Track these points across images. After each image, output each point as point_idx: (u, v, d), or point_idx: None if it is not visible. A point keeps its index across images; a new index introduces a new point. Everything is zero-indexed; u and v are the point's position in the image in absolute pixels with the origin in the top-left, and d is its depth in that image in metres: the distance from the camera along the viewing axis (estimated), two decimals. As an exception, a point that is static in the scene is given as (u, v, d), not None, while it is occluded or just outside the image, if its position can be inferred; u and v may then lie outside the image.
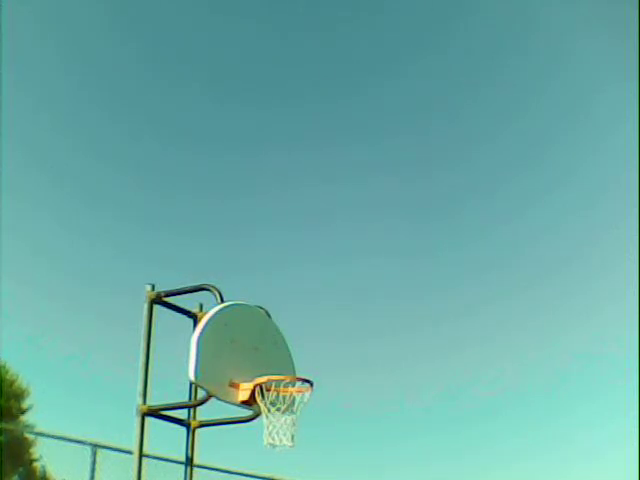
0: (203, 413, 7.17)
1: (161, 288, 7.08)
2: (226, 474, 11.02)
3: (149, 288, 7.03)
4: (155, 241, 27.74)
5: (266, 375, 6.63)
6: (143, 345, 6.83)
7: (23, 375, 17.00)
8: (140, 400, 6.68)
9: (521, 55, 26.29)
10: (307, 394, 6.62)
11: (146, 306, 6.96)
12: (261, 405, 6.53)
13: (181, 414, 7.12)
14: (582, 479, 22.40)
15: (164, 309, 7.12)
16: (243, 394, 6.62)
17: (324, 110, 28.55)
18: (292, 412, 6.57)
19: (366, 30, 27.07)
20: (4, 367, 16.46)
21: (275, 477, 12.01)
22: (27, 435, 14.39)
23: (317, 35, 27.78)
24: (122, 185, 27.90)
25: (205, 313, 6.84)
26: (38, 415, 16.51)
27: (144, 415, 6.64)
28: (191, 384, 6.98)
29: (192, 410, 7.16)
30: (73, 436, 9.25)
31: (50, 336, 23.94)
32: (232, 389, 6.62)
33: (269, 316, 7.35)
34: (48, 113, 26.59)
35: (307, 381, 6.66)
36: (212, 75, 28.29)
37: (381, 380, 25.62)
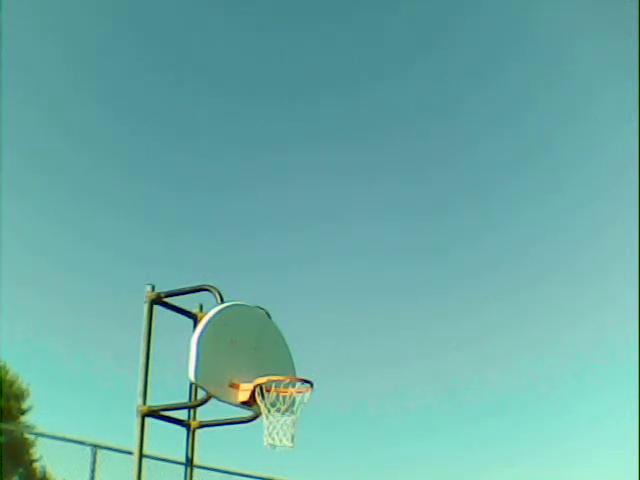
0: (203, 414, 7.18)
1: (161, 288, 7.07)
2: (226, 475, 11.02)
3: (149, 289, 7.02)
4: (155, 241, 27.77)
5: (266, 375, 6.63)
6: (143, 345, 6.82)
7: (23, 376, 17.03)
8: (140, 400, 6.68)
9: (521, 55, 26.33)
10: (307, 395, 6.62)
11: (146, 306, 6.96)
12: (261, 406, 6.53)
13: (181, 415, 7.12)
14: (582, 479, 22.41)
15: (164, 309, 7.12)
16: (243, 395, 6.62)
17: (325, 110, 28.59)
18: (292, 413, 6.57)
19: (365, 30, 27.10)
20: (4, 368, 16.46)
21: (275, 478, 12.01)
22: (27, 436, 14.40)
23: (316, 35, 27.80)
24: (122, 185, 27.93)
25: (205, 313, 6.84)
26: (38, 416, 16.53)
27: (144, 415, 6.64)
28: (191, 384, 6.97)
29: (192, 411, 7.16)
30: (73, 436, 9.26)
31: (50, 336, 23.98)
32: (232, 389, 6.62)
33: (269, 316, 7.35)
34: (48, 113, 26.61)
35: (307, 382, 6.66)
36: (213, 75, 28.32)
37: (381, 380, 25.64)
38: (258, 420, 6.66)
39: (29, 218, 25.55)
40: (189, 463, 7.19)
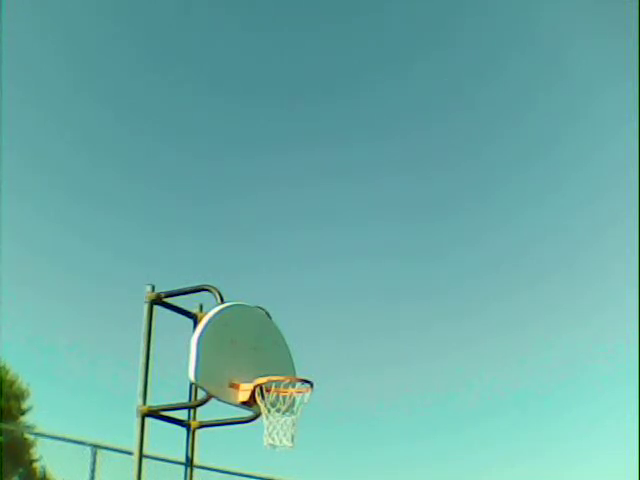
0: (203, 414, 7.18)
1: (161, 288, 7.07)
2: (226, 475, 11.02)
3: (149, 289, 7.02)
4: (155, 241, 27.77)
5: (266, 376, 6.63)
6: (143, 345, 6.83)
7: (23, 376, 17.04)
8: (140, 400, 6.68)
9: (521, 55, 26.32)
10: (307, 395, 6.62)
11: (146, 307, 6.96)
12: (261, 406, 6.53)
13: (181, 415, 7.12)
14: (582, 479, 22.42)
15: (164, 309, 7.12)
16: (243, 395, 6.62)
17: (325, 110, 28.57)
18: (292, 413, 6.57)
19: (365, 30, 27.10)
20: (4, 368, 16.48)
21: (275, 478, 12.01)
22: (27, 436, 14.41)
23: (316, 35, 27.79)
24: (122, 185, 27.91)
25: (205, 313, 6.84)
26: (38, 416, 16.55)
27: (144, 416, 6.64)
28: (191, 384, 6.97)
29: (192, 411, 7.16)
30: (73, 437, 9.25)
31: (50, 336, 23.98)
32: (232, 390, 6.62)
33: (269, 316, 7.35)
34: (48, 113, 26.61)
35: (307, 382, 6.66)
36: (213, 75, 28.31)
37: (380, 380, 25.64)
38: (258, 420, 6.66)
39: (29, 218, 25.56)
40: (189, 463, 7.19)
